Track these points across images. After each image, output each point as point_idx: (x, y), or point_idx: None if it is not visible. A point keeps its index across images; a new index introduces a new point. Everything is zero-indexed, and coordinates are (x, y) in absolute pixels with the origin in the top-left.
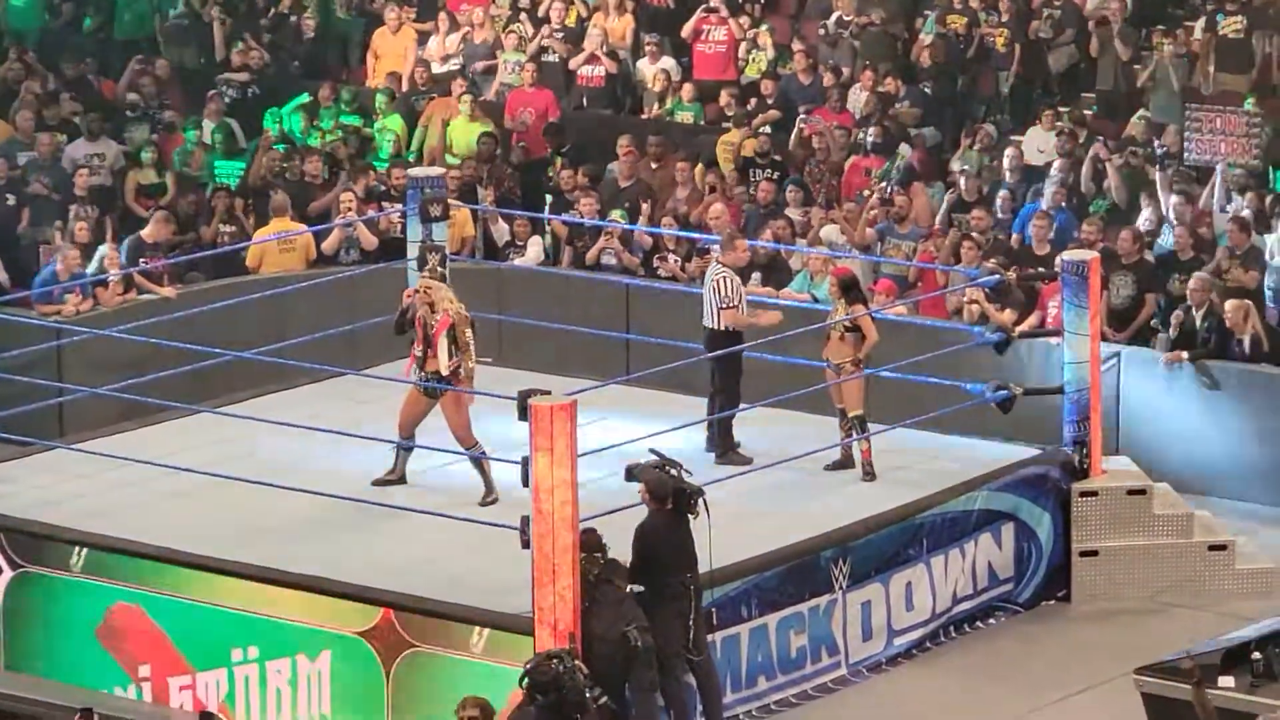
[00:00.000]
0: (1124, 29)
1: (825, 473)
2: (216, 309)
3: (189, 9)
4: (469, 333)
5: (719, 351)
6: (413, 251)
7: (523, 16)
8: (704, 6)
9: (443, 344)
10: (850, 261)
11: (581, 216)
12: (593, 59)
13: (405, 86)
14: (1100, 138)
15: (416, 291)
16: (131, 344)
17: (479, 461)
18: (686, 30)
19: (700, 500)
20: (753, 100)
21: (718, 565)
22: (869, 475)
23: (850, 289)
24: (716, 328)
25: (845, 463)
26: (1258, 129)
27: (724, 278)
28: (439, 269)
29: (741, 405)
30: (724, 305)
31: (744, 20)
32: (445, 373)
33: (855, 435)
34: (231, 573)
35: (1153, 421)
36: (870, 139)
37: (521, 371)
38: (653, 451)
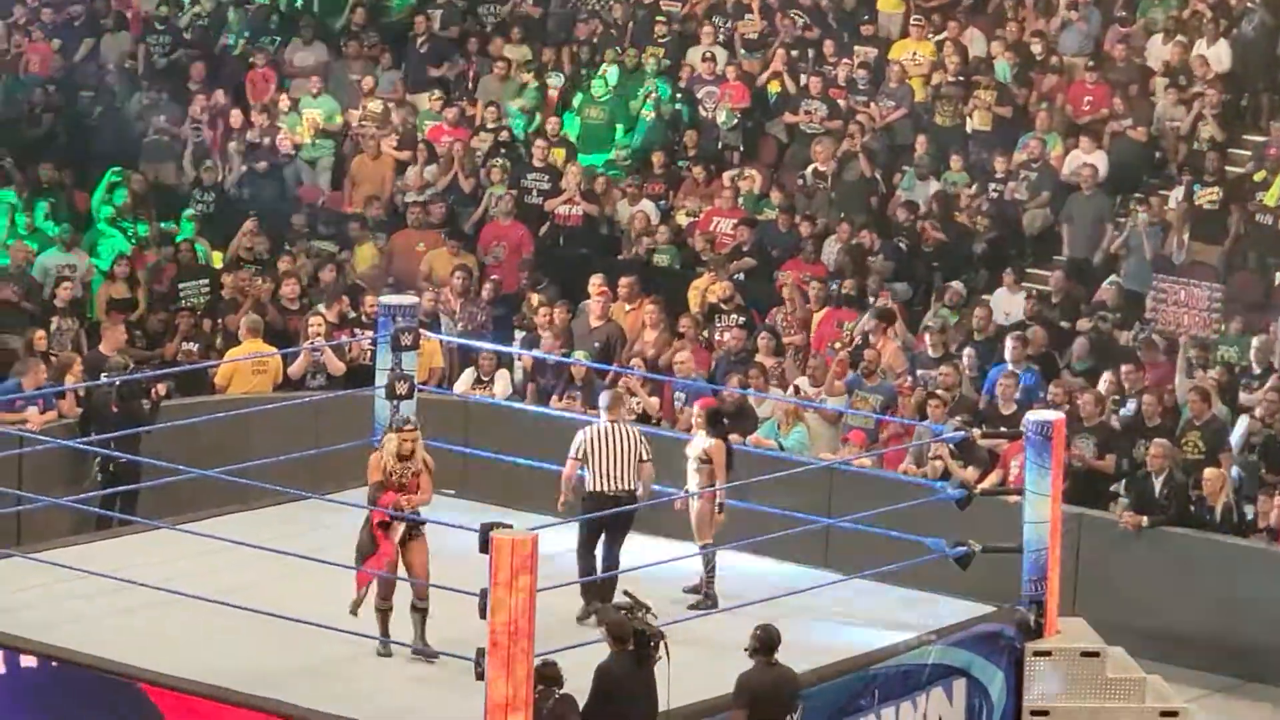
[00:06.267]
0: (1099, 194)
1: (779, 617)
2: (182, 425)
3: (169, 125)
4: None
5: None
6: (381, 379)
7: (503, 151)
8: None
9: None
10: (819, 412)
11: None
12: (571, 199)
13: (382, 214)
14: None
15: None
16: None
17: (425, 615)
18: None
19: (660, 644)
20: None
21: (675, 705)
22: (707, 601)
23: (714, 422)
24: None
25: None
26: (1219, 304)
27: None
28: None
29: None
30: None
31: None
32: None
33: (704, 562)
34: (184, 690)
35: (1110, 584)
36: (843, 292)
37: (484, 504)
38: (626, 593)
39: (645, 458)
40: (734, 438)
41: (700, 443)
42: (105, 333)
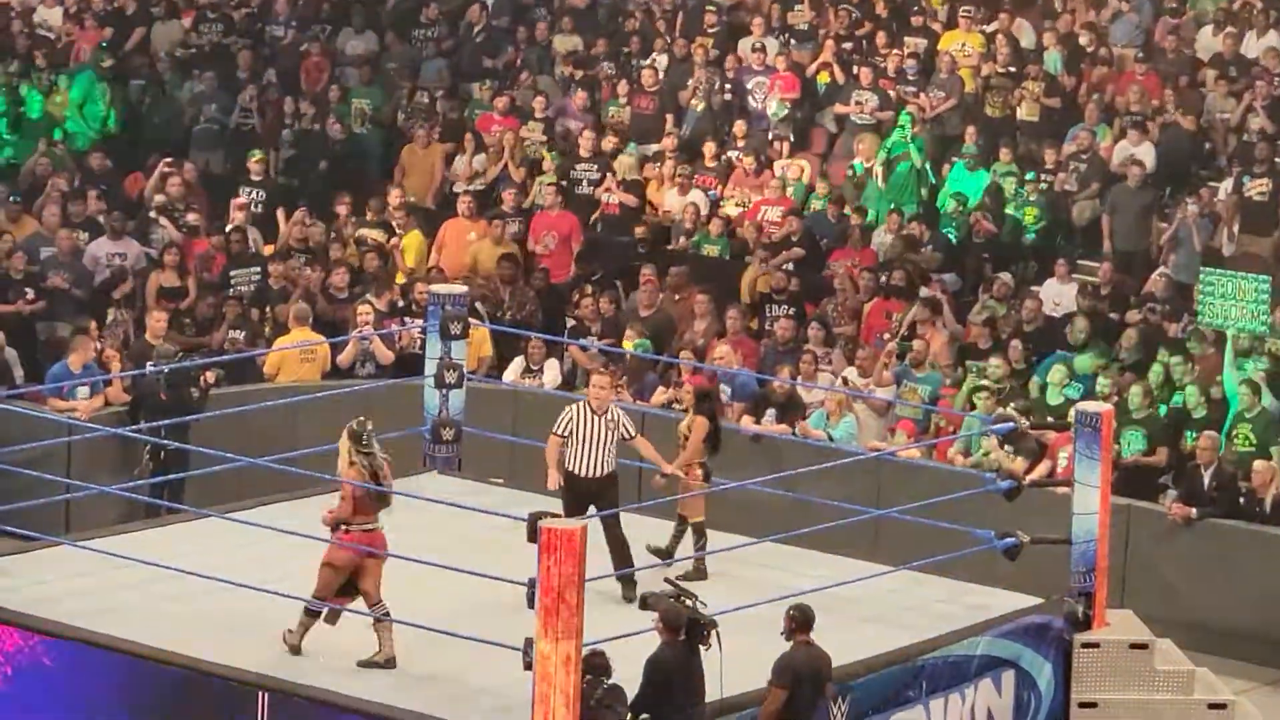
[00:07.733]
0: (1148, 186)
1: (830, 608)
2: (230, 414)
3: (218, 114)
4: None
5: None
6: (430, 368)
7: (552, 141)
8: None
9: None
10: (868, 402)
11: (599, 341)
12: (608, 188)
13: (430, 203)
14: None
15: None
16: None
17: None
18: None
19: (713, 632)
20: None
21: (728, 695)
22: (699, 574)
23: (700, 400)
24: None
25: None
26: (1267, 296)
27: (570, 406)
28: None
29: None
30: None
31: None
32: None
33: (696, 541)
34: (233, 680)
35: (1159, 576)
36: (891, 282)
37: (533, 494)
38: (667, 581)
39: (630, 435)
40: (781, 428)
41: (687, 419)
42: (149, 320)
